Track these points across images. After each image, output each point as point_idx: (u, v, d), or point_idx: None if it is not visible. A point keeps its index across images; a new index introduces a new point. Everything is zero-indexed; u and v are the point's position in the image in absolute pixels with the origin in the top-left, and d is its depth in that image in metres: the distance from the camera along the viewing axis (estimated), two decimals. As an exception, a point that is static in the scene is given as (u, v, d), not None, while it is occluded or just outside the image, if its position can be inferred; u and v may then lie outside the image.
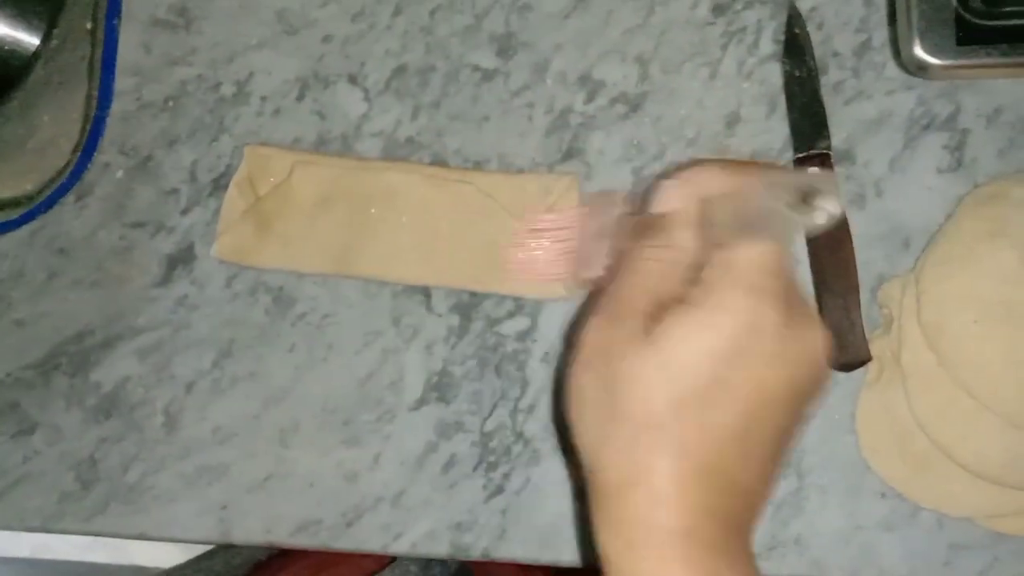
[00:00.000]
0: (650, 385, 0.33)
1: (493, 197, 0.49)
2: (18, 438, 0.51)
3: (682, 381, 0.32)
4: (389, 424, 0.49)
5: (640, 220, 0.38)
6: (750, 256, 0.33)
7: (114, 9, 0.53)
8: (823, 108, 0.48)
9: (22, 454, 0.51)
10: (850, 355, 0.46)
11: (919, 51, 0.43)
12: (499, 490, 0.48)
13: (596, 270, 0.41)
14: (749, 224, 0.34)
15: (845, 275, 0.47)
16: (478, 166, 0.50)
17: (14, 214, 0.52)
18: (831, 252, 0.47)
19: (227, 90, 0.52)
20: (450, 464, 0.49)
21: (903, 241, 0.47)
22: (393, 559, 0.76)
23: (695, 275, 0.34)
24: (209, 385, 0.50)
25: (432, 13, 0.51)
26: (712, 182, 0.36)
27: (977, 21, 0.43)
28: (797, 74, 0.48)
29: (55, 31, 0.54)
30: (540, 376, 0.48)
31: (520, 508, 0.48)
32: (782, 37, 0.49)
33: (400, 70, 0.51)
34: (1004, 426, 0.44)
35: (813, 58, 0.48)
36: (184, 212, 0.52)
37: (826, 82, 0.48)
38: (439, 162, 0.50)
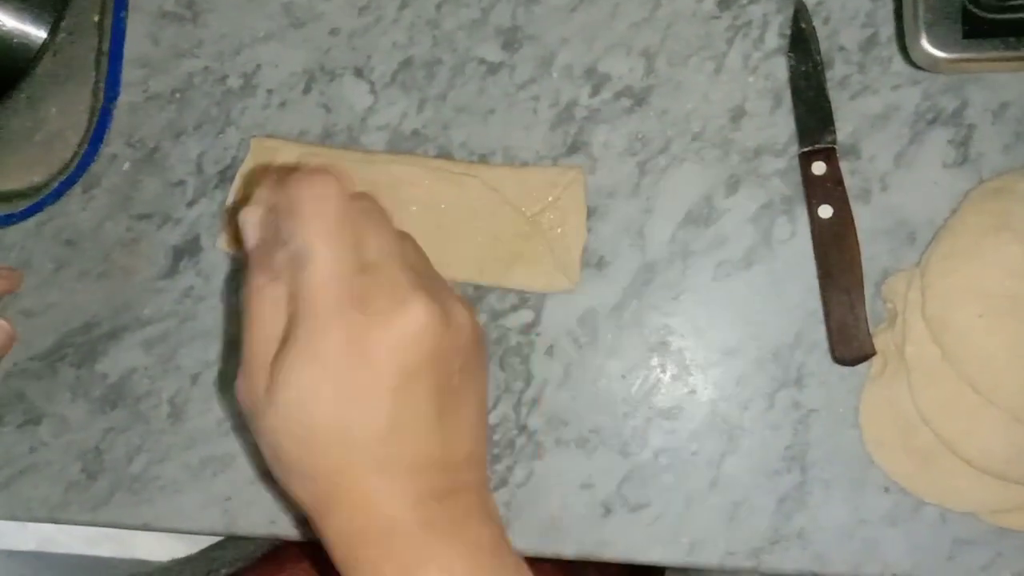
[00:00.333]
0: (287, 435, 0.35)
1: (498, 190, 0.49)
2: (24, 428, 0.51)
3: (313, 417, 0.34)
4: (393, 416, 0.49)
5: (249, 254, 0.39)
6: (308, 274, 0.34)
7: (121, 1, 0.54)
8: (829, 102, 0.48)
9: (28, 444, 0.51)
10: (854, 349, 0.46)
11: (926, 45, 0.43)
12: (502, 483, 0.48)
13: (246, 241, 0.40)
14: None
15: (849, 270, 0.47)
16: (483, 159, 0.50)
17: (21, 205, 0.53)
18: (836, 247, 0.47)
19: (234, 82, 0.52)
20: (454, 456, 0.49)
21: (908, 235, 0.47)
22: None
23: (292, 305, 0.35)
24: (214, 376, 0.50)
25: (438, 6, 0.51)
26: (264, 200, 0.38)
27: (984, 15, 0.43)
28: (803, 68, 0.48)
29: (63, 24, 0.54)
30: (544, 369, 0.49)
31: (523, 501, 0.48)
32: (788, 31, 0.49)
33: (406, 63, 0.51)
34: (1009, 420, 0.44)
35: (819, 52, 0.48)
36: (190, 204, 0.52)
37: (832, 76, 0.48)
38: (444, 155, 0.50)
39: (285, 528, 0.49)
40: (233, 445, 0.50)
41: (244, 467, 0.50)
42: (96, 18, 0.54)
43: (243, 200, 0.51)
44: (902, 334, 0.46)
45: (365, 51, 0.52)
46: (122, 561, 0.95)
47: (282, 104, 0.52)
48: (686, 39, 0.50)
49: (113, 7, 0.53)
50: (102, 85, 0.53)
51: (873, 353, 0.46)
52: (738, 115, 0.49)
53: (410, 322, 0.34)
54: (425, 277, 0.38)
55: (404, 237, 0.40)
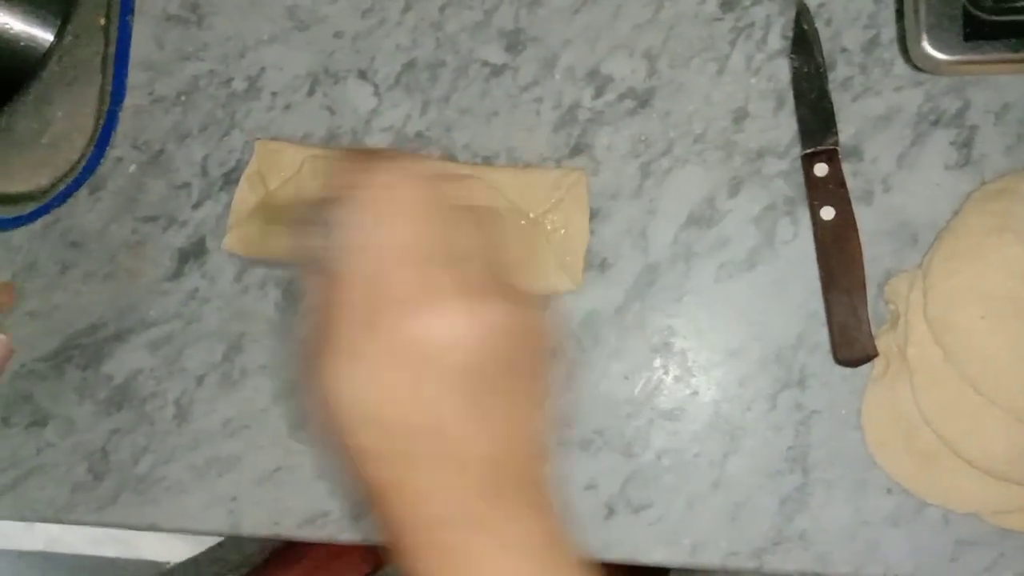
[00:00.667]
0: (358, 418, 0.34)
1: (502, 192, 0.49)
2: (31, 429, 0.52)
3: (382, 405, 0.34)
4: (397, 417, 0.49)
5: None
6: (388, 260, 0.35)
7: (127, 5, 0.54)
8: (831, 104, 0.48)
9: (35, 446, 0.51)
10: (856, 351, 0.46)
11: (927, 47, 0.43)
12: (506, 483, 0.48)
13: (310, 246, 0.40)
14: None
15: (852, 271, 0.47)
16: (487, 161, 0.50)
17: (28, 207, 0.53)
18: (838, 248, 0.47)
19: (238, 85, 0.52)
20: (457, 457, 0.49)
21: (910, 237, 0.47)
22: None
23: (370, 290, 0.35)
24: (219, 378, 0.51)
25: (442, 9, 0.52)
26: (350, 181, 0.37)
27: (985, 16, 0.43)
28: (805, 70, 0.48)
29: (69, 27, 0.54)
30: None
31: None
32: (790, 33, 0.49)
33: (410, 65, 0.51)
34: (1011, 421, 0.44)
35: (821, 54, 0.48)
36: (196, 206, 0.52)
37: (834, 78, 0.48)
38: (448, 157, 0.51)
39: (289, 529, 0.50)
40: (238, 446, 0.50)
41: (249, 468, 0.50)
42: (102, 22, 0.54)
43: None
44: (904, 335, 0.46)
45: (369, 53, 0.52)
46: (127, 562, 0.95)
47: (286, 107, 0.52)
48: (689, 41, 0.50)
49: (119, 11, 0.54)
50: (108, 88, 0.53)
51: (875, 354, 0.46)
52: (740, 117, 0.49)
53: (480, 322, 0.35)
54: (498, 274, 0.38)
55: (484, 229, 0.40)
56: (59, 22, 0.56)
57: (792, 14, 0.49)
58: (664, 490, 0.47)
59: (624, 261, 0.49)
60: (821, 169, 0.47)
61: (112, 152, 0.53)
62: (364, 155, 0.39)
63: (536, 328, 0.37)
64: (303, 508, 0.50)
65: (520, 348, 0.36)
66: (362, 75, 0.52)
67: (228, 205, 0.51)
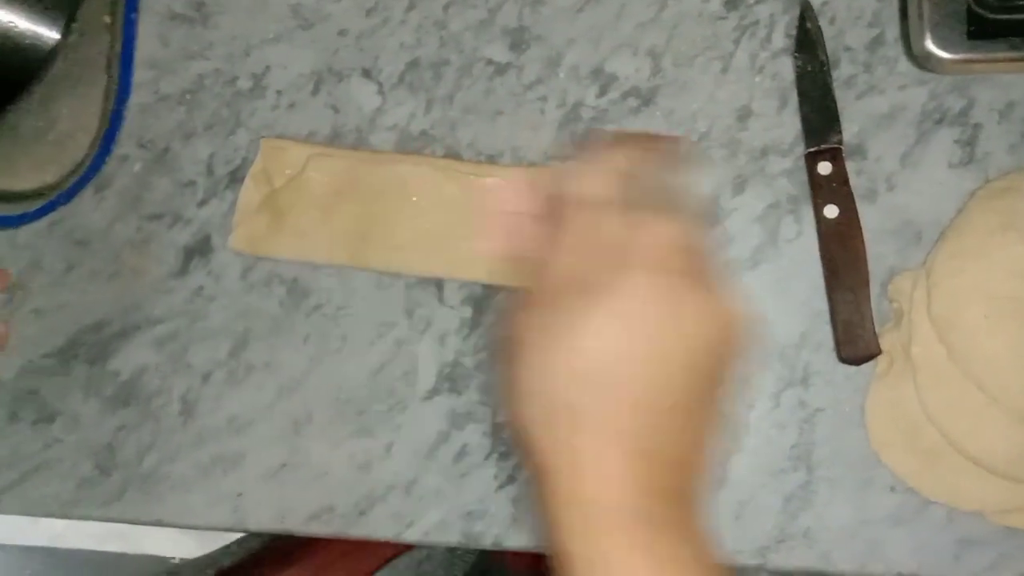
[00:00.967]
0: (573, 372, 0.33)
1: (506, 190, 0.49)
2: (38, 426, 0.52)
3: (601, 367, 0.33)
4: (401, 414, 0.50)
5: (561, 203, 0.39)
6: (659, 234, 0.34)
7: (132, 3, 0.54)
8: (835, 102, 0.48)
9: (42, 441, 0.52)
10: (860, 349, 0.46)
11: (930, 45, 0.43)
12: (510, 480, 0.49)
13: (520, 245, 0.40)
14: (657, 199, 0.35)
15: (855, 269, 0.47)
16: (491, 159, 0.51)
17: (34, 205, 0.53)
18: (842, 246, 0.47)
19: (243, 84, 0.53)
20: (461, 454, 0.49)
21: (914, 235, 0.47)
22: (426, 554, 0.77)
23: (611, 257, 0.35)
24: (225, 375, 0.51)
25: (446, 7, 0.52)
26: (622, 160, 0.37)
27: (989, 15, 0.43)
28: (809, 68, 0.49)
29: (74, 25, 0.55)
30: (551, 368, 0.49)
31: (531, 498, 0.48)
32: (794, 31, 0.49)
33: (414, 64, 0.52)
34: (1014, 420, 0.44)
35: (825, 52, 0.48)
36: (201, 204, 0.52)
37: (838, 76, 0.49)
38: (452, 155, 0.51)
39: (295, 524, 0.50)
40: (243, 443, 0.50)
41: (254, 464, 0.50)
42: (107, 20, 0.54)
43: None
44: (908, 334, 0.46)
45: (373, 52, 0.52)
46: (131, 557, 0.96)
47: (291, 105, 0.52)
48: (692, 39, 0.50)
49: (124, 9, 0.54)
50: (113, 87, 0.53)
51: (879, 352, 0.46)
52: (744, 115, 0.49)
53: (725, 317, 0.35)
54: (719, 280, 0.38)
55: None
56: (64, 20, 0.56)
57: (796, 13, 0.49)
58: (668, 487, 0.48)
59: (628, 259, 0.49)
60: (825, 167, 0.48)
61: (117, 150, 0.53)
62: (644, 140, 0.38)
63: (740, 337, 0.36)
64: (309, 504, 0.50)
65: (726, 354, 0.36)
66: (366, 74, 0.52)
67: (233, 203, 0.52)
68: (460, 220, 0.50)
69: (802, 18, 0.49)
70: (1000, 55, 0.43)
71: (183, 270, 0.52)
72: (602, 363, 0.33)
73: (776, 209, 0.49)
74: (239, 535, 0.84)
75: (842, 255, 0.47)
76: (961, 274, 0.46)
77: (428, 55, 0.52)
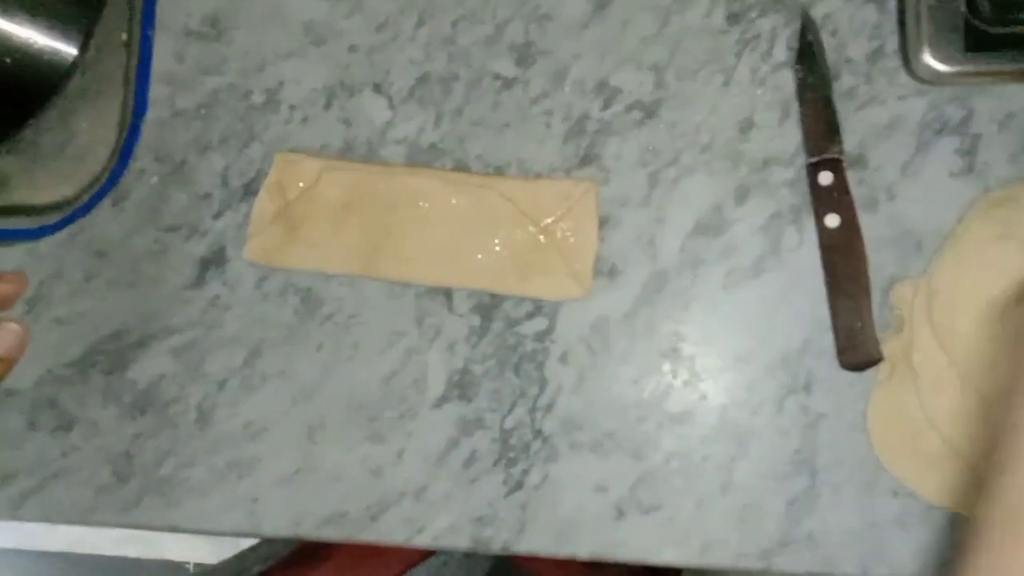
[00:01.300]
0: None
1: (513, 202, 0.50)
2: (57, 433, 0.53)
3: None
4: (412, 421, 0.51)
5: None
6: None
7: (148, 20, 0.55)
8: (836, 114, 0.49)
9: (60, 449, 0.53)
10: (862, 355, 0.47)
11: (928, 58, 0.44)
12: (518, 485, 0.50)
13: None
14: None
15: (857, 277, 0.48)
16: (499, 171, 0.52)
17: (54, 218, 0.54)
18: (843, 255, 0.48)
19: (257, 99, 0.54)
20: (471, 460, 0.50)
21: (915, 244, 0.48)
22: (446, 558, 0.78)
23: None
24: (240, 383, 0.52)
25: (454, 23, 0.53)
26: None
27: (986, 28, 0.44)
28: (810, 80, 0.49)
29: (92, 42, 0.56)
30: (558, 375, 0.50)
31: (539, 503, 0.49)
32: (796, 44, 0.50)
33: (423, 79, 0.53)
34: (1013, 425, 0.45)
35: (826, 64, 0.49)
36: (216, 216, 0.53)
37: (839, 88, 0.49)
38: (461, 168, 0.52)
39: (309, 529, 0.51)
40: (258, 449, 0.52)
41: (269, 470, 0.51)
42: (124, 37, 0.56)
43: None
44: (909, 341, 0.47)
45: (383, 67, 0.53)
46: (149, 562, 0.97)
47: (304, 119, 0.53)
48: (695, 53, 0.51)
49: (140, 26, 0.55)
50: (130, 101, 0.55)
51: (880, 359, 0.47)
52: (746, 127, 0.50)
53: None
54: None
55: None
56: (82, 37, 0.57)
57: (797, 25, 0.50)
58: (673, 492, 0.48)
59: (633, 268, 0.50)
60: (826, 178, 0.48)
61: (135, 164, 0.54)
62: None
63: None
64: (322, 509, 0.51)
65: None
66: (377, 88, 0.53)
67: (248, 215, 0.53)
68: (469, 231, 0.51)
69: (803, 31, 0.50)
70: (997, 68, 0.44)
71: (199, 280, 0.53)
72: None
73: (778, 219, 0.49)
74: (253, 542, 0.85)
75: (843, 263, 0.48)
76: (961, 282, 0.46)
77: (437, 70, 0.53)
